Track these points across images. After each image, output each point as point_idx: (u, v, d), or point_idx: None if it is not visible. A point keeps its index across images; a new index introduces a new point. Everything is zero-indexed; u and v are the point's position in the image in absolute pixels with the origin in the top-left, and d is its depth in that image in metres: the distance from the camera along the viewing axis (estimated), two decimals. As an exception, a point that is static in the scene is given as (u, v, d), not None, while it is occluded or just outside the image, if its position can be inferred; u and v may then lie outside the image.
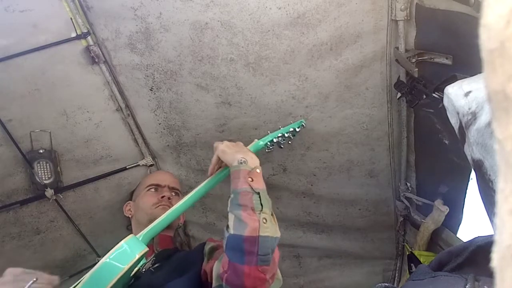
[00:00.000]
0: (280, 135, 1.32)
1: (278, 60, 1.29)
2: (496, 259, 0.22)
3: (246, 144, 1.19)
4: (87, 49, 1.36)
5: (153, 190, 1.44)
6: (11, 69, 1.30)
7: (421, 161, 1.49)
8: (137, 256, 0.92)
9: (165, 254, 1.23)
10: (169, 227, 1.22)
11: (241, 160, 1.03)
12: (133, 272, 1.03)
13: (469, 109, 0.74)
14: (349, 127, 1.49)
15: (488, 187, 0.68)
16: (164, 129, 1.61)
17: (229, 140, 1.14)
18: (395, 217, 1.80)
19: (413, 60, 1.19)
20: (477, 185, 0.76)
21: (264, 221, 0.93)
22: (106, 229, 1.74)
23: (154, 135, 1.64)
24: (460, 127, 0.77)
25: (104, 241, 1.74)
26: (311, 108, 1.43)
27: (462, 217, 1.39)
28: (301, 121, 1.39)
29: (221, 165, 1.14)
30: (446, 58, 1.10)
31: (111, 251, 0.91)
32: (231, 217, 0.96)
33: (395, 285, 1.95)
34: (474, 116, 0.72)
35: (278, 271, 0.98)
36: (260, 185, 1.00)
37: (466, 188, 1.30)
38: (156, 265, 1.16)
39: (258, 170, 1.03)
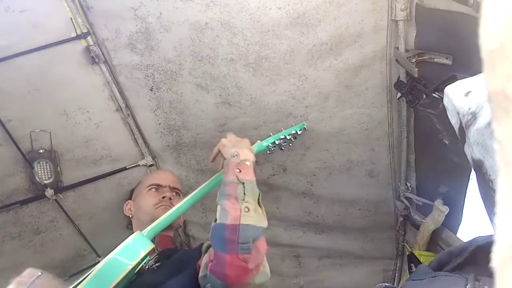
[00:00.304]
0: (282, 137, 1.34)
1: (278, 60, 1.29)
2: (496, 259, 0.22)
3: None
4: (87, 49, 1.36)
5: (154, 190, 1.44)
6: (11, 69, 1.30)
7: (421, 161, 1.49)
8: (144, 253, 0.93)
9: (167, 253, 1.23)
10: (169, 227, 1.23)
11: (233, 153, 1.07)
12: (137, 269, 1.04)
13: (469, 109, 0.74)
14: (349, 127, 1.49)
15: (488, 187, 0.68)
16: (164, 129, 1.61)
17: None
18: (395, 217, 1.80)
19: (413, 60, 1.19)
20: (477, 185, 0.76)
21: (246, 209, 0.93)
22: (106, 229, 1.73)
23: (154, 135, 1.64)
24: (460, 127, 0.77)
25: (104, 241, 1.74)
26: (311, 108, 1.43)
27: (462, 217, 1.39)
28: (303, 124, 1.40)
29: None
30: (446, 58, 1.10)
31: (118, 248, 0.92)
32: (218, 208, 0.98)
33: (395, 285, 1.95)
34: (474, 116, 0.72)
35: (267, 265, 0.97)
36: (247, 176, 1.01)
37: (466, 188, 1.30)
38: (158, 263, 1.16)
39: (248, 163, 1.05)
